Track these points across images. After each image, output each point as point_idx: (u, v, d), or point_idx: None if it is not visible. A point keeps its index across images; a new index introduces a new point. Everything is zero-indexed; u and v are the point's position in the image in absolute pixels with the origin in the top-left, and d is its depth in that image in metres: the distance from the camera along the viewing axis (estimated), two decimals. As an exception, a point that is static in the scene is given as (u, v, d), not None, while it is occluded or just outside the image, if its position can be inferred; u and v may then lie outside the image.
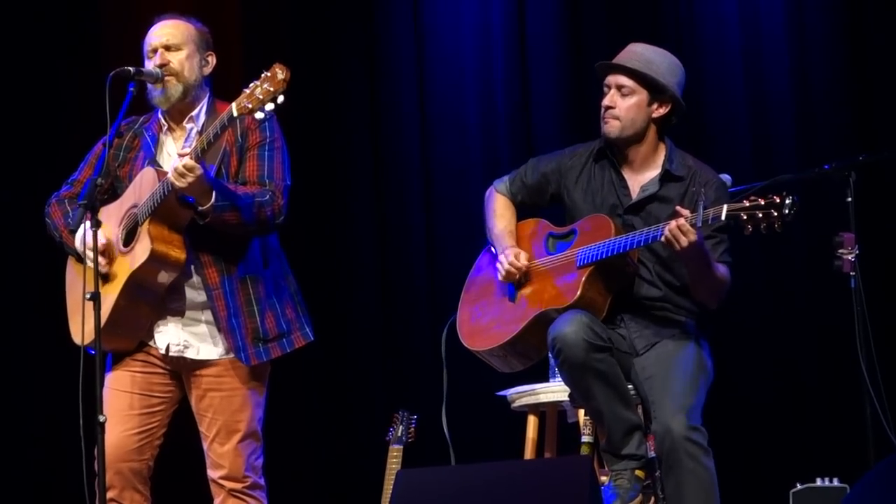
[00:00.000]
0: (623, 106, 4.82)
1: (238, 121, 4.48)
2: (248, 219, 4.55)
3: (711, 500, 4.55)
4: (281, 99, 4.30)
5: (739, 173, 5.36)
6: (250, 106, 4.32)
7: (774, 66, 6.75)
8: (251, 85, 4.32)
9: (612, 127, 4.83)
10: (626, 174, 4.88)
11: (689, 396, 4.60)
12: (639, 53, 4.86)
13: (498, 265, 4.93)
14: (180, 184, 4.41)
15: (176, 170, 4.40)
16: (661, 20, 6.94)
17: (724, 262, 4.76)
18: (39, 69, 7.19)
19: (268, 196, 4.60)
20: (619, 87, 4.82)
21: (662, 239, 4.57)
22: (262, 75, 4.32)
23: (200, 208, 4.47)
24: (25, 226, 6.63)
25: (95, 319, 4.27)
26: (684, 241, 4.52)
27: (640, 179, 4.87)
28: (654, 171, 4.86)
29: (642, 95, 4.83)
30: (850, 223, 5.18)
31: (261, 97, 4.30)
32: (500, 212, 5.07)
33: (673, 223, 4.53)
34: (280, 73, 4.30)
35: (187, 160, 4.40)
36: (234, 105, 4.36)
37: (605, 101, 4.84)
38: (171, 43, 4.71)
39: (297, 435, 7.00)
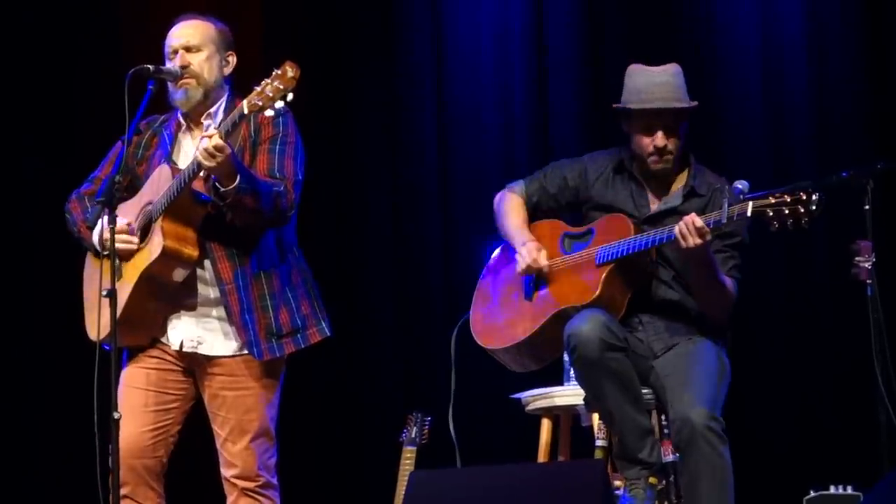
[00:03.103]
0: (675, 143, 4.80)
1: (252, 117, 4.50)
2: (265, 205, 4.53)
3: (727, 490, 4.55)
4: (290, 97, 4.32)
5: (757, 180, 5.32)
6: (260, 104, 4.33)
7: (793, 72, 6.74)
8: (262, 83, 4.34)
9: (667, 164, 4.82)
10: (648, 187, 4.87)
11: (709, 389, 4.61)
12: (664, 84, 4.79)
13: (518, 257, 4.92)
14: (209, 163, 4.38)
15: (206, 150, 4.37)
16: (679, 25, 6.93)
17: (732, 277, 4.75)
18: (59, 66, 7.22)
19: (282, 187, 4.59)
20: (667, 127, 4.78)
21: (675, 235, 4.57)
22: (273, 73, 4.33)
23: (223, 189, 4.44)
24: (44, 222, 6.65)
25: (112, 316, 4.28)
26: (691, 242, 4.52)
27: (662, 192, 4.85)
28: (676, 185, 4.85)
29: (682, 126, 4.82)
30: (868, 231, 5.17)
31: (271, 95, 4.32)
32: (513, 209, 5.07)
33: (687, 218, 4.54)
34: (290, 70, 4.32)
35: (217, 140, 4.37)
36: (245, 103, 4.37)
37: (658, 143, 4.77)
38: (191, 44, 4.71)
39: (311, 435, 7.01)
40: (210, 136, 4.39)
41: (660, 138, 4.77)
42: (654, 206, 4.84)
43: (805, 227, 4.39)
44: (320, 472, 7.12)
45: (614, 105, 4.86)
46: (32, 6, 7.24)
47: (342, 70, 7.35)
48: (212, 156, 4.38)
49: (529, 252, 4.89)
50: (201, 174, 4.47)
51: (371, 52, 7.37)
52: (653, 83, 4.79)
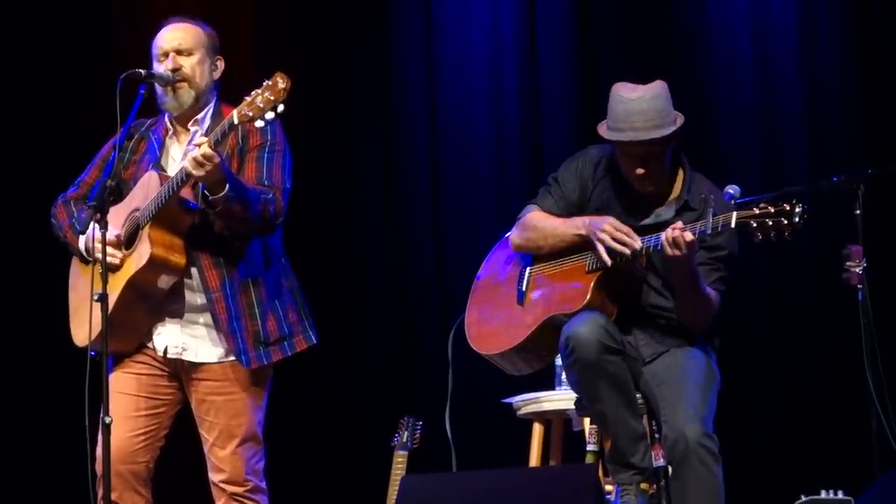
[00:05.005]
0: (658, 169, 4.71)
1: (239, 126, 4.48)
2: (254, 213, 4.54)
3: None
4: (281, 108, 4.31)
5: (748, 184, 5.33)
6: (251, 114, 4.33)
7: (785, 77, 6.74)
8: (252, 93, 4.34)
9: (649, 186, 4.73)
10: (642, 196, 4.82)
11: (703, 404, 4.58)
12: (641, 112, 4.64)
13: (600, 245, 4.69)
14: (198, 172, 4.38)
15: (195, 159, 4.37)
16: (671, 28, 6.93)
17: (716, 289, 4.73)
18: (50, 68, 7.21)
19: (271, 195, 4.60)
20: (645, 155, 4.67)
21: (661, 241, 4.55)
22: (263, 84, 4.34)
23: (212, 197, 4.45)
24: (34, 226, 6.65)
25: (103, 321, 4.27)
26: (675, 251, 4.49)
27: (654, 202, 4.81)
28: (669, 195, 4.81)
29: (668, 148, 4.72)
30: (859, 236, 5.18)
31: (261, 105, 4.32)
32: (545, 216, 4.89)
33: (673, 226, 4.52)
34: (281, 82, 4.31)
35: (206, 149, 4.37)
36: (234, 113, 4.37)
37: (639, 173, 4.66)
38: (183, 47, 4.71)
39: (302, 439, 7.01)
40: (199, 145, 4.39)
41: (639, 169, 4.67)
42: (648, 215, 4.80)
43: (788, 239, 4.38)
44: (311, 477, 7.12)
45: (597, 127, 4.81)
46: (24, 8, 7.23)
47: (334, 74, 7.35)
48: (201, 165, 4.38)
49: (615, 235, 4.64)
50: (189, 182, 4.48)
51: (364, 57, 7.36)
52: (630, 111, 4.64)
